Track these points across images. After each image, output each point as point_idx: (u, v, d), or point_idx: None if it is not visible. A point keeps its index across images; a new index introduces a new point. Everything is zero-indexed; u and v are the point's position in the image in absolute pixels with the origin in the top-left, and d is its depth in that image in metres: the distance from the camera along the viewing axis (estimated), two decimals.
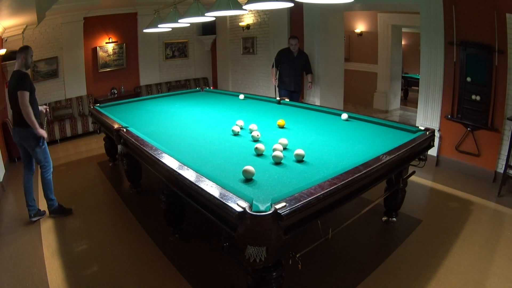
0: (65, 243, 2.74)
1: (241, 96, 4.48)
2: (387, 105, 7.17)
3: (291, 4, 2.19)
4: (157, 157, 2.17)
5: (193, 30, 7.52)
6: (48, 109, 3.45)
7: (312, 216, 1.62)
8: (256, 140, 2.57)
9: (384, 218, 2.88)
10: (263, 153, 2.27)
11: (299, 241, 2.06)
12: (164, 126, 3.18)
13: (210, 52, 7.97)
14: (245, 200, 1.51)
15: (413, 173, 2.71)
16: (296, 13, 5.65)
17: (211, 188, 1.66)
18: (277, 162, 2.10)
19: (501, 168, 3.48)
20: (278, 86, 5.20)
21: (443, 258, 2.38)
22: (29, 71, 3.11)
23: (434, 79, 4.05)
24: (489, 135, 3.61)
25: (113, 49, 6.62)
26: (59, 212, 3.19)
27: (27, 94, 2.81)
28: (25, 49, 2.94)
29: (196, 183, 1.73)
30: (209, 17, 3.01)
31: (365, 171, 1.85)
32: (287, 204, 1.46)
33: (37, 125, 2.88)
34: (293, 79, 5.06)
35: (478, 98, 3.61)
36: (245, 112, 3.59)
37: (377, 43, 7.04)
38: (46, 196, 3.15)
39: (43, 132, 2.96)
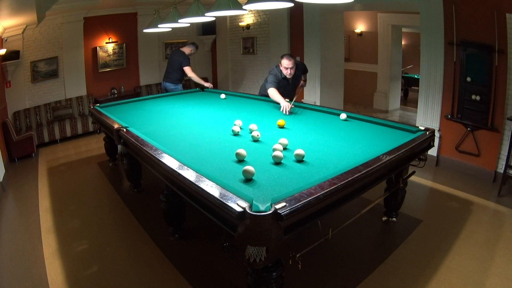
0: (65, 243, 2.74)
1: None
2: (387, 105, 7.17)
3: (291, 4, 2.19)
4: (157, 157, 2.17)
5: (193, 30, 7.51)
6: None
7: (312, 216, 1.62)
8: (256, 140, 2.57)
9: (384, 218, 2.88)
10: (245, 159, 2.16)
11: (299, 241, 2.06)
12: (164, 126, 3.17)
13: (210, 52, 7.97)
14: (245, 200, 1.51)
15: (413, 173, 2.70)
16: (296, 13, 5.65)
17: (211, 188, 1.66)
18: (277, 162, 2.10)
19: (501, 168, 3.48)
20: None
21: (443, 258, 2.38)
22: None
23: (434, 79, 4.05)
24: (489, 135, 3.61)
25: (113, 49, 6.61)
26: None
27: (189, 68, 5.13)
28: (195, 45, 5.42)
29: (196, 183, 1.73)
30: (209, 17, 3.01)
31: (365, 171, 1.85)
32: (287, 204, 1.46)
33: (203, 81, 5.16)
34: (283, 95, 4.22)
35: (478, 98, 3.61)
36: (245, 112, 3.59)
37: (377, 43, 7.04)
38: None
39: (209, 84, 5.16)
